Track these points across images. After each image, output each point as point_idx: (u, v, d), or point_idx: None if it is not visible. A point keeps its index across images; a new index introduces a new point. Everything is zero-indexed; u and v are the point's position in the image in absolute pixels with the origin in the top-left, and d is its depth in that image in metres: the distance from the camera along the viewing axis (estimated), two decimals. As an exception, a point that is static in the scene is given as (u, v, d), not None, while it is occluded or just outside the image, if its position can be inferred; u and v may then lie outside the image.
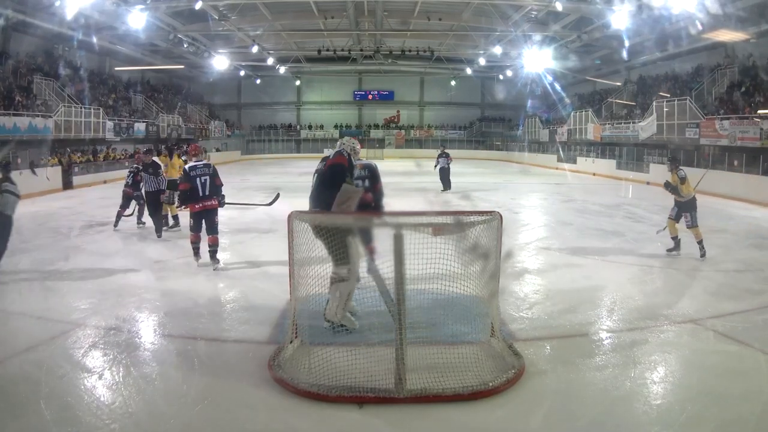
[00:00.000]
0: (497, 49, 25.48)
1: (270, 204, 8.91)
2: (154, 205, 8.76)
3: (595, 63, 27.33)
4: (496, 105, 38.67)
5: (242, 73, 33.46)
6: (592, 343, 4.52)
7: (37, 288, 5.96)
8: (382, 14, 23.20)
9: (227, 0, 19.58)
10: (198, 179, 6.64)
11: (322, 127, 39.38)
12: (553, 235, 9.48)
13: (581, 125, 27.02)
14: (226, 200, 7.22)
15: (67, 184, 16.89)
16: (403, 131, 39.76)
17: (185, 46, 23.77)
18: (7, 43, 19.45)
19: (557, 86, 29.42)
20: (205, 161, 6.99)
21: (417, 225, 3.70)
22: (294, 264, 3.97)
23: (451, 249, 3.80)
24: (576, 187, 18.71)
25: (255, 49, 25.96)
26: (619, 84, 27.42)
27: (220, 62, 27.73)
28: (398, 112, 40.51)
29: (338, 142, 4.86)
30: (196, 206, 6.67)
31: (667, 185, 7.56)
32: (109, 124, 21.98)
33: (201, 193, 6.64)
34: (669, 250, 7.56)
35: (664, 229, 7.66)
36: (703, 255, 7.27)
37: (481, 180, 20.89)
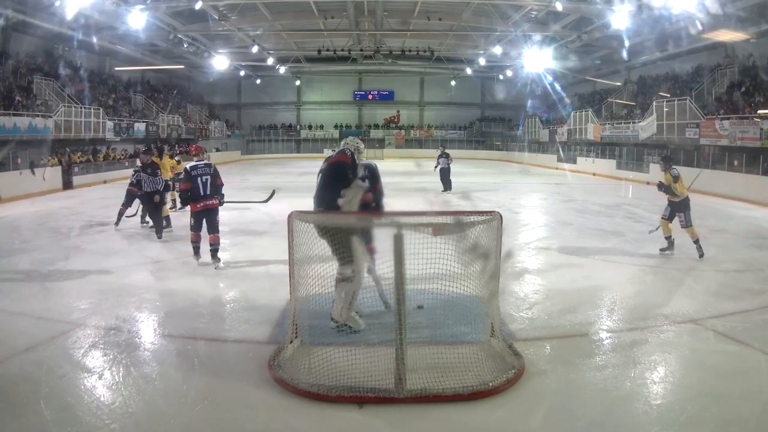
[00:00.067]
0: (497, 49, 25.48)
1: (266, 201, 8.91)
2: (152, 205, 8.78)
3: (595, 63, 27.33)
4: (496, 105, 38.67)
5: (242, 73, 33.46)
6: (592, 343, 4.52)
7: (37, 288, 5.96)
8: (382, 14, 23.20)
9: (227, 0, 19.58)
10: (199, 179, 6.71)
11: (322, 127, 39.37)
12: (553, 235, 9.48)
13: (581, 125, 27.02)
14: (224, 199, 7.26)
15: (67, 184, 16.88)
16: (403, 131, 39.76)
17: (185, 46, 23.77)
18: (7, 43, 19.45)
19: (557, 86, 29.43)
20: (206, 161, 7.05)
21: (417, 225, 3.70)
22: (294, 264, 3.97)
23: (451, 249, 3.81)
24: (576, 187, 18.70)
25: (255, 49, 25.97)
26: (619, 84, 27.42)
27: (220, 62, 27.74)
28: (398, 112, 40.51)
29: (342, 142, 4.89)
30: (198, 205, 6.73)
31: (661, 186, 7.49)
32: (109, 124, 22.00)
33: (202, 193, 6.70)
34: (662, 250, 7.54)
35: (657, 228, 7.64)
36: (701, 255, 7.24)
37: (481, 180, 20.88)
